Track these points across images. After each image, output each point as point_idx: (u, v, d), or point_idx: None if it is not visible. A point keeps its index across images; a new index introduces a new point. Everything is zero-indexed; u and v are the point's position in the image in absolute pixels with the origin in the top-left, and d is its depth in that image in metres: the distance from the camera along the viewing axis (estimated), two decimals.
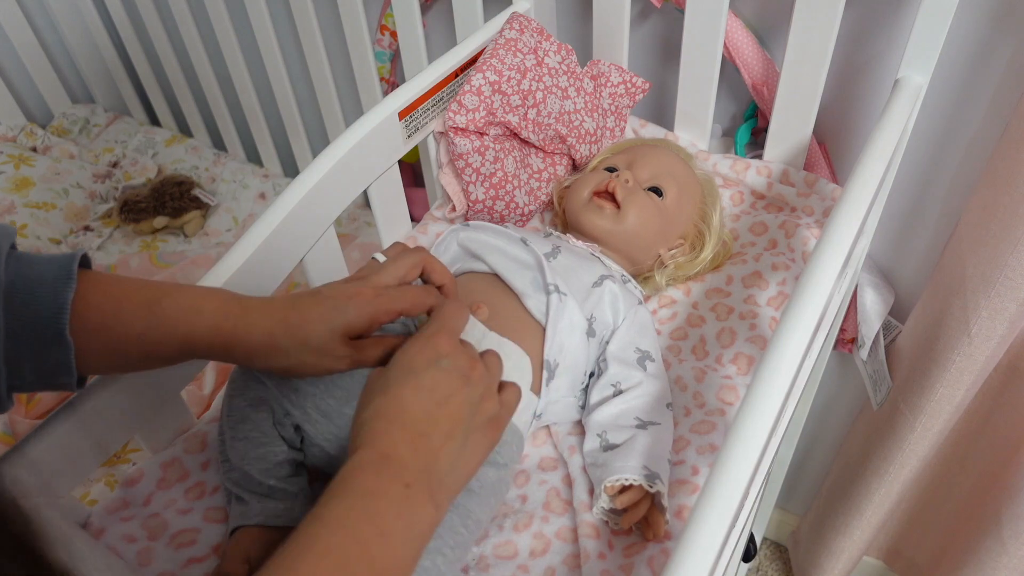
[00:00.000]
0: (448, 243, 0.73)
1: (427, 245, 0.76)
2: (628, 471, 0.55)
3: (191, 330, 0.46)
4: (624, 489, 0.55)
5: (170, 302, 0.46)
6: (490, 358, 0.49)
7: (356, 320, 0.48)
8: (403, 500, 0.40)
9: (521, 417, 0.60)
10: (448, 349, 0.46)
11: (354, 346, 0.49)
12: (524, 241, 0.68)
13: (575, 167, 0.85)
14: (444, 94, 0.76)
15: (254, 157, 1.55)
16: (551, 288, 0.63)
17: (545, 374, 0.61)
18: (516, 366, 0.60)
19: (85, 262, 0.47)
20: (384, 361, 0.48)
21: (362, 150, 0.69)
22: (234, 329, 0.47)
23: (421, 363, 0.45)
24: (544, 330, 0.62)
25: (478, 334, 0.60)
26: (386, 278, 0.52)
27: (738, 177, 0.82)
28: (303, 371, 0.50)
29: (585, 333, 0.64)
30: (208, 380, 1.08)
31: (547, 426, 0.66)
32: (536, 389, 0.61)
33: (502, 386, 0.49)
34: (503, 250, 0.68)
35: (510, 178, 0.77)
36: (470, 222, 0.75)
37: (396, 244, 0.59)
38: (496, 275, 0.66)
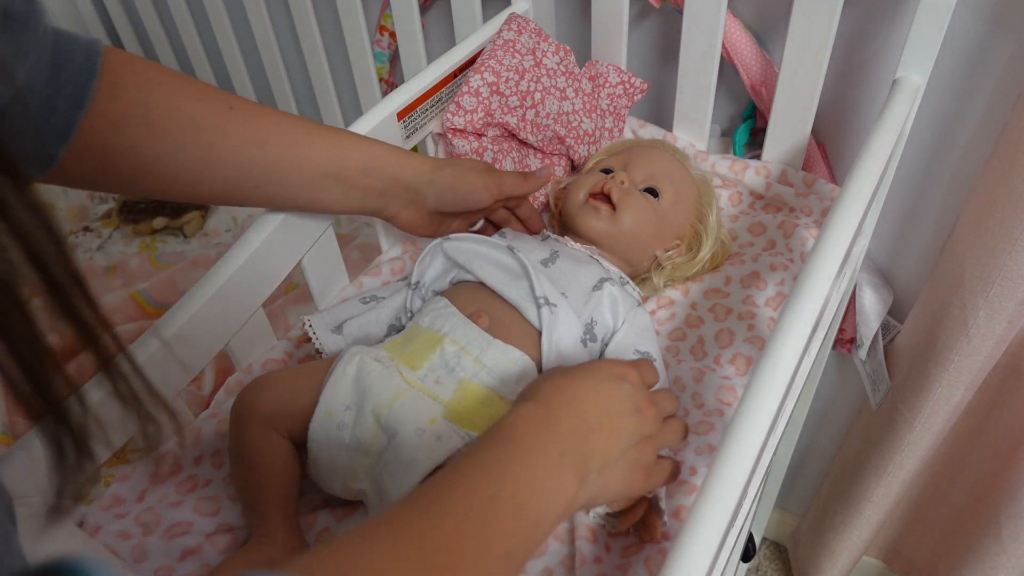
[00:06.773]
0: (433, 255, 0.69)
1: (424, 247, 0.76)
2: None
3: None
4: None
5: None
6: (673, 423, 0.52)
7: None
8: (556, 464, 0.41)
9: None
10: (634, 379, 0.50)
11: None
12: (511, 249, 0.66)
13: (573, 168, 0.85)
14: (443, 95, 0.76)
15: None
16: (540, 301, 0.62)
17: None
18: (523, 372, 0.60)
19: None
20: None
21: None
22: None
23: (607, 374, 0.48)
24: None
25: (483, 342, 0.60)
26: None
27: (737, 177, 0.82)
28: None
29: (581, 341, 0.63)
30: (207, 380, 1.08)
31: None
32: None
33: (665, 459, 0.52)
34: (490, 258, 0.66)
35: None
36: (451, 234, 0.71)
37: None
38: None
